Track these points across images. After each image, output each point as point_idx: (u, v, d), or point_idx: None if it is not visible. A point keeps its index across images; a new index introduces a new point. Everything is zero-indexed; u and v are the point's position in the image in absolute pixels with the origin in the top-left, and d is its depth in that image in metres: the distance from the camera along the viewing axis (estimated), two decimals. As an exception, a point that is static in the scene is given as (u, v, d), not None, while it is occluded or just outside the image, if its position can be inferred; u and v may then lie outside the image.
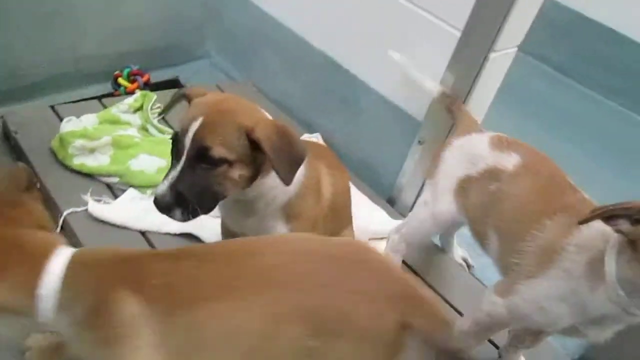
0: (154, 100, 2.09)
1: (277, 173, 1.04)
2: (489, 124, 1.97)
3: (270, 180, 1.16)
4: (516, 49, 1.78)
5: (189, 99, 1.16)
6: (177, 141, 1.09)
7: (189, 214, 1.10)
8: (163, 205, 1.09)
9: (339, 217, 1.44)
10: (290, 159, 1.06)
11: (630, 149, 3.23)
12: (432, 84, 1.74)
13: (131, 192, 1.71)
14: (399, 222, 1.91)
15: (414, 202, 2.02)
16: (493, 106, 1.93)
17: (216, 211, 1.68)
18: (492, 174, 1.37)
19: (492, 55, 1.68)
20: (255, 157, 1.09)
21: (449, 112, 1.71)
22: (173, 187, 1.08)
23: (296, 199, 1.24)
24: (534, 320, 1.22)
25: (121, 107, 2.02)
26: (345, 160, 2.19)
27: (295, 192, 1.23)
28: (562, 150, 3.04)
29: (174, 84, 2.65)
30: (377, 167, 2.12)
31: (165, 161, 1.81)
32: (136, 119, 2.03)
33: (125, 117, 1.99)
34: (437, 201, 1.51)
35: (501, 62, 1.77)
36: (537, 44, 3.69)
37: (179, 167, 1.08)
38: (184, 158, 1.07)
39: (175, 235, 1.62)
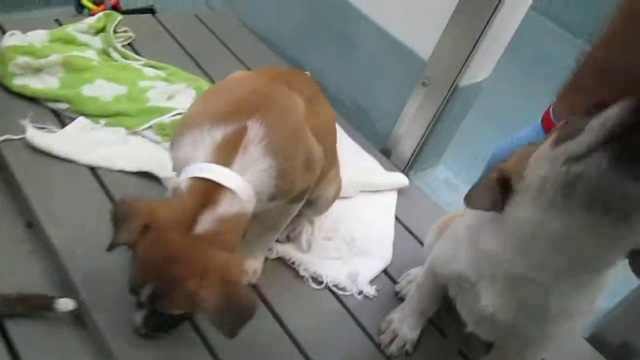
0: (119, 22, 1.80)
1: (217, 328, 0.93)
2: (496, 80, 1.75)
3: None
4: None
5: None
6: None
7: None
8: None
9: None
10: (235, 320, 0.93)
11: None
12: None
13: (81, 120, 1.43)
14: (393, 174, 1.68)
15: (412, 155, 1.78)
16: (501, 64, 1.72)
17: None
18: None
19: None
20: None
21: None
22: None
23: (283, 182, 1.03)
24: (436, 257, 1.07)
25: (80, 27, 1.72)
26: (337, 104, 1.93)
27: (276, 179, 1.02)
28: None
29: (147, 13, 2.35)
30: (373, 113, 1.87)
31: (125, 88, 1.54)
32: (97, 41, 1.74)
33: (83, 38, 1.70)
34: None
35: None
36: (548, 3, 3.47)
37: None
38: None
39: (129, 173, 1.36)
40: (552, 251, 0.75)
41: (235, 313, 0.92)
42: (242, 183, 0.94)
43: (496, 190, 0.80)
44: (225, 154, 0.94)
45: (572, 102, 0.89)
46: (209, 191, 0.92)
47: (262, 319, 1.20)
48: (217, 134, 0.96)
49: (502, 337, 0.99)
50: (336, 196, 1.34)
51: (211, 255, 0.90)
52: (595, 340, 1.43)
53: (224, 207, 0.92)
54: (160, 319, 0.98)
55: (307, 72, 1.96)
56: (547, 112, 0.95)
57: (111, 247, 0.96)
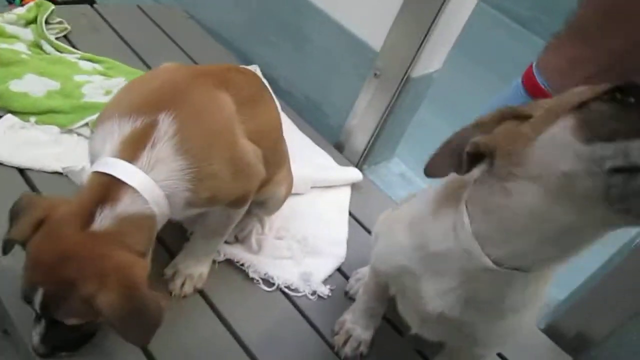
0: (52, 12, 1.69)
1: (124, 338, 0.84)
2: (449, 73, 1.72)
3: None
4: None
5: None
6: None
7: None
8: None
9: (269, 159, 1.13)
10: (141, 327, 0.85)
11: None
12: None
13: (9, 119, 1.32)
14: (347, 169, 1.64)
15: (365, 148, 1.74)
16: (453, 56, 1.68)
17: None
18: None
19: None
20: None
21: None
22: None
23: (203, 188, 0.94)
24: (377, 253, 0.98)
25: (7, 17, 1.61)
26: (288, 98, 1.88)
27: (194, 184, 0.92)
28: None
29: (86, 3, 2.22)
30: (325, 107, 1.82)
31: (58, 84, 1.44)
32: (27, 33, 1.62)
33: (11, 29, 1.58)
34: None
35: None
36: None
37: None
38: None
39: (63, 175, 1.26)
40: (545, 243, 0.66)
41: (141, 319, 0.84)
42: (145, 181, 0.86)
43: (465, 162, 0.70)
44: (131, 149, 0.87)
45: (569, 54, 0.77)
46: (109, 187, 0.84)
47: (209, 324, 1.14)
48: (126, 127, 0.88)
49: (449, 336, 0.95)
50: (287, 196, 1.29)
51: (110, 255, 0.82)
52: (551, 331, 1.43)
53: (124, 205, 0.84)
54: (60, 334, 0.89)
55: (255, 66, 1.90)
56: (529, 70, 0.84)
57: (5, 247, 0.87)
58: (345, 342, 1.16)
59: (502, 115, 0.71)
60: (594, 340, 1.39)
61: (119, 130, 0.88)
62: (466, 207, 0.74)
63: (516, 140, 0.67)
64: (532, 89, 0.83)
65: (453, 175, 0.77)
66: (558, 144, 0.62)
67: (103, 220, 0.83)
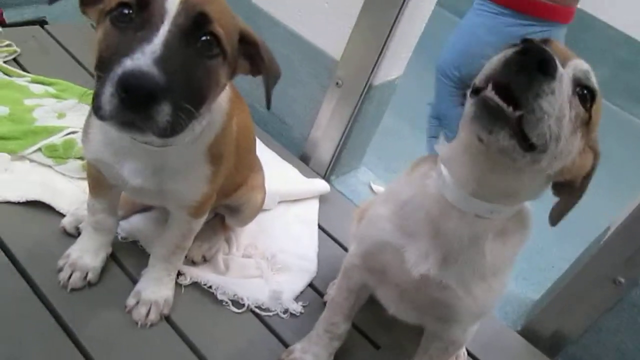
0: (-2, 35, 1.62)
1: (267, 91, 0.92)
2: (411, 78, 1.72)
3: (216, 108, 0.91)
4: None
5: None
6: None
7: (178, 116, 0.68)
8: (146, 88, 0.62)
9: (243, 161, 1.13)
10: (275, 76, 0.92)
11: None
12: None
13: (-46, 148, 1.26)
14: (314, 181, 1.61)
15: (332, 159, 1.71)
16: (413, 62, 1.69)
17: (74, 171, 1.31)
18: None
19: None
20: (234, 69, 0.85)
21: None
22: (159, 61, 0.64)
23: (222, 135, 0.95)
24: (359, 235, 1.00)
25: (-50, 43, 1.54)
26: (251, 112, 1.85)
27: (221, 126, 0.94)
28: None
29: (37, 25, 2.14)
30: (288, 119, 1.79)
31: (7, 109, 1.37)
32: (-27, 58, 1.56)
33: (-45, 55, 1.52)
34: None
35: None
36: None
37: (159, 36, 0.66)
38: (167, 24, 0.67)
39: (15, 204, 1.20)
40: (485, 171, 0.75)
41: (276, 68, 0.93)
42: None
43: None
44: None
45: None
46: None
47: (178, 353, 1.08)
48: None
49: (427, 312, 0.94)
50: (262, 205, 1.26)
51: None
52: (527, 332, 1.42)
53: None
54: (184, 56, 0.69)
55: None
56: None
57: None
58: None
59: None
60: (570, 339, 1.39)
61: None
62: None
63: None
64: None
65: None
66: None
67: None
